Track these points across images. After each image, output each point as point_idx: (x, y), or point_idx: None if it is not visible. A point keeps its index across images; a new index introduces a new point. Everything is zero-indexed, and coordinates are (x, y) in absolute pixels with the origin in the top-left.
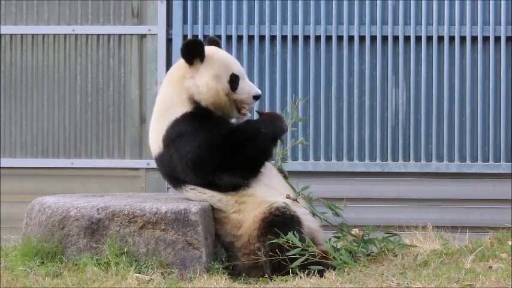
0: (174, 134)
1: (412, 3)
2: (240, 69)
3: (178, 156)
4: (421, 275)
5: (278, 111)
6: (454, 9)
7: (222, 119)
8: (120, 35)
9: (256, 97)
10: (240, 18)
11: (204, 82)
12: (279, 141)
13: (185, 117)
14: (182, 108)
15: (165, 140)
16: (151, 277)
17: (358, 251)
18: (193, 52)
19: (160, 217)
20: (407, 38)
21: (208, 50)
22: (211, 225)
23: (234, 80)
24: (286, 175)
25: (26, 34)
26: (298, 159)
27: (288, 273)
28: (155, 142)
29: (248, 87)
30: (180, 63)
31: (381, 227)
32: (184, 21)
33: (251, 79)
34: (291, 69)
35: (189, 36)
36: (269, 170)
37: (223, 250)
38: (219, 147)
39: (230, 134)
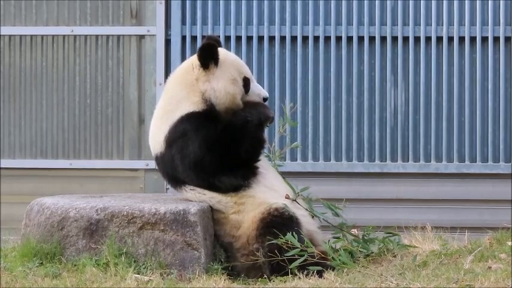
0: (177, 134)
1: (411, 3)
2: (249, 72)
3: (180, 157)
4: (420, 276)
5: (277, 111)
6: (452, 10)
7: (221, 118)
8: (118, 36)
9: (265, 99)
10: (238, 19)
11: (222, 87)
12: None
13: (189, 117)
14: (189, 107)
15: (167, 139)
16: (151, 278)
17: (357, 252)
18: (209, 56)
19: (160, 218)
20: (406, 39)
21: (220, 53)
22: (210, 226)
23: (246, 84)
24: (282, 176)
25: (25, 35)
26: (297, 160)
27: (286, 274)
28: (157, 141)
29: (258, 90)
30: (188, 66)
31: (381, 228)
32: (183, 22)
33: None
34: (289, 70)
35: (188, 37)
36: (269, 171)
37: (222, 251)
38: (216, 144)
39: (223, 129)
